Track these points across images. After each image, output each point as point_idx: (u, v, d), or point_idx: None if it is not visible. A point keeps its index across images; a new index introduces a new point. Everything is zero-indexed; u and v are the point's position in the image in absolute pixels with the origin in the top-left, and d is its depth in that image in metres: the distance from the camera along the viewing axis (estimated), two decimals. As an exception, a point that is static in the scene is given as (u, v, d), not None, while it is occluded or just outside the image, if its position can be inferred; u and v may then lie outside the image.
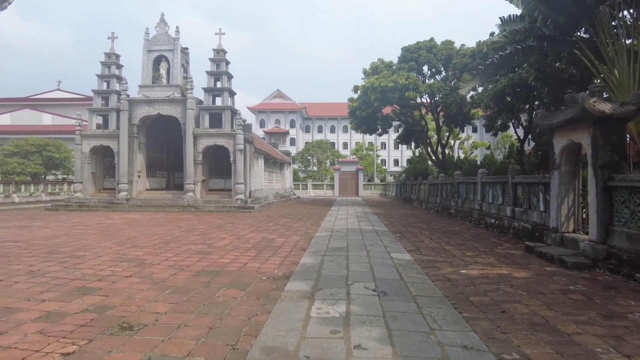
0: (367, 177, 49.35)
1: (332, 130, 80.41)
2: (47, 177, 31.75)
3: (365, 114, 22.72)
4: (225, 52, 19.95)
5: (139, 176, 19.75)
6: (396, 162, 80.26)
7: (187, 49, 20.84)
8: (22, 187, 27.28)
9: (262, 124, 73.39)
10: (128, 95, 19.45)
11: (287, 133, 73.19)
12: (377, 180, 54.65)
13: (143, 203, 18.76)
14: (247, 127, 19.79)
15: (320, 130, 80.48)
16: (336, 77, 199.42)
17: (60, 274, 6.04)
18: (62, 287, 5.35)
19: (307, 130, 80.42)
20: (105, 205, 18.79)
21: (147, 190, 20.36)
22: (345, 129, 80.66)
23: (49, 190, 29.32)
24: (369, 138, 79.48)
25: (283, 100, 77.49)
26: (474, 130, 61.70)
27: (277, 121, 75.30)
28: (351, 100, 23.81)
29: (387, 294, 5.22)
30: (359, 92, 23.54)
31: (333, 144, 70.18)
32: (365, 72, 23.80)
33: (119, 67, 20.87)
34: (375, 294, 5.22)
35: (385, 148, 78.29)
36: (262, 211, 18.58)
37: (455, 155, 39.66)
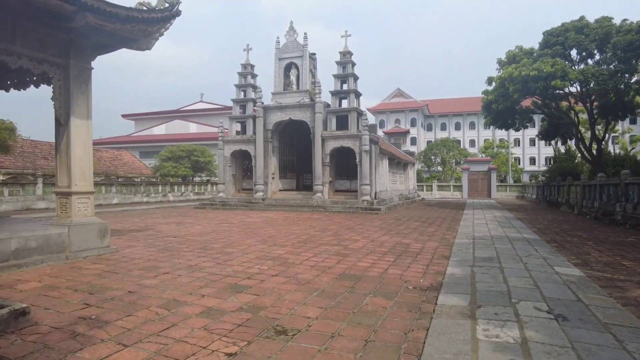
0: (499, 178, 45.25)
1: (457, 127, 75.93)
2: (194, 179, 36.02)
3: (502, 107, 20.54)
4: (351, 54, 20.03)
5: (273, 178, 20.98)
6: (532, 161, 72.28)
7: (314, 54, 21.48)
8: (175, 187, 31.35)
9: (381, 124, 72.88)
10: (262, 103, 20.80)
11: (407, 132, 71.37)
12: (511, 181, 49.77)
13: (277, 203, 19.85)
14: (372, 128, 19.59)
15: (443, 127, 76.70)
16: (459, 72, 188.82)
17: (214, 269, 6.42)
18: (217, 283, 5.62)
19: (429, 128, 77.38)
20: (244, 204, 20.36)
21: (279, 190, 21.53)
22: (472, 125, 75.44)
23: (196, 191, 33.16)
24: (500, 134, 72.95)
25: (403, 99, 75.84)
26: (633, 121, 52.07)
27: (397, 121, 73.96)
28: (485, 92, 21.81)
29: (567, 318, 4.31)
30: (494, 83, 21.45)
31: (458, 142, 66.13)
32: (500, 62, 21.63)
33: (254, 76, 22.48)
34: (552, 317, 4.35)
35: (519, 145, 71.13)
36: (388, 213, 18.11)
37: (612, 151, 33.87)
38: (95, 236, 7.49)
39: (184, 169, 33.53)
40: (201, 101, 64.25)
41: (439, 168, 51.89)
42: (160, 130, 60.62)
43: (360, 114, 19.69)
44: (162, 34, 8.35)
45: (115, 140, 57.52)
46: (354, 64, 20.07)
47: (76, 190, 7.36)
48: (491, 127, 32.08)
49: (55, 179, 7.66)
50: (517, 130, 26.17)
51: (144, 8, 7.75)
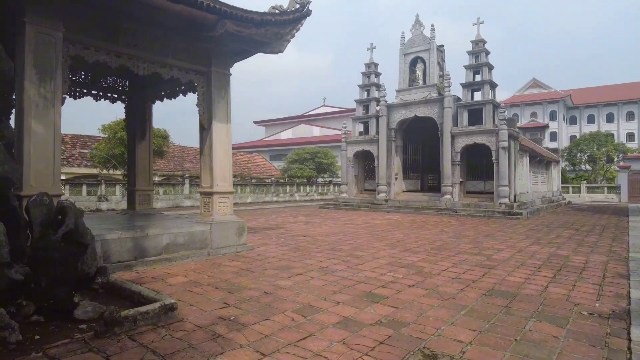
0: (671, 178, 37.10)
1: (609, 118, 64.91)
2: (317, 180, 37.14)
3: None
4: (484, 42, 18.25)
5: (396, 178, 20.28)
6: None
7: (442, 46, 20.17)
8: (301, 187, 32.65)
9: (514, 120, 65.96)
10: (386, 101, 20.25)
11: (546, 127, 63.18)
12: (687, 182, 40.53)
13: (400, 204, 19.10)
14: (510, 122, 17.52)
15: (590, 120, 66.28)
16: (609, 57, 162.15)
17: (346, 273, 6.09)
18: (350, 289, 5.26)
19: (572, 121, 67.66)
20: (366, 205, 20.07)
21: (403, 191, 20.73)
22: (630, 116, 63.77)
23: (319, 191, 34.10)
24: (670, 126, 60.40)
25: (540, 90, 67.69)
26: None
27: (534, 114, 66.21)
28: None
29: None
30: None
31: (611, 135, 56.40)
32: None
33: (377, 75, 22.06)
34: None
35: (699, 138, 57.88)
36: (531, 218, 15.95)
37: None
38: (233, 234, 7.82)
39: (309, 170, 34.79)
40: (324, 105, 66.36)
41: (587, 167, 44.79)
42: (287, 134, 64.36)
43: (496, 106, 17.80)
44: (293, 35, 8.41)
45: (248, 145, 62.83)
46: (487, 53, 18.25)
47: (217, 190, 7.78)
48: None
49: (200, 180, 8.22)
50: None
51: (277, 11, 7.86)
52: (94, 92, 9.36)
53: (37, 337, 3.60)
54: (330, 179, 38.12)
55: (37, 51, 5.67)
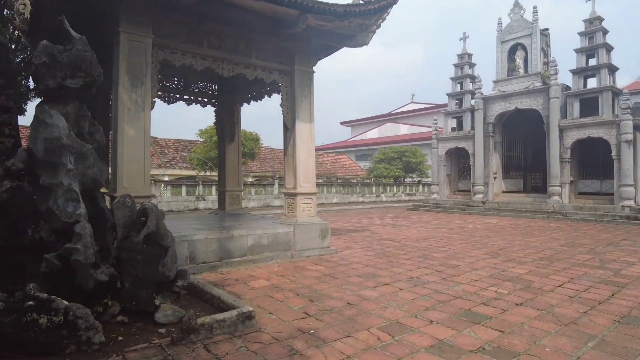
0: None
1: None
2: (405, 180, 35.86)
3: None
4: (600, 20, 15.82)
5: (495, 177, 18.56)
6: None
7: (546, 30, 17.99)
8: (387, 188, 31.75)
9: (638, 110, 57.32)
10: (482, 94, 18.64)
11: (679, 118, 54.07)
12: None
13: (500, 207, 17.41)
14: (636, 111, 14.91)
15: None
16: None
17: (439, 286, 5.41)
18: (445, 305, 4.60)
19: None
20: (460, 207, 18.67)
21: (502, 192, 18.91)
22: None
23: (407, 191, 32.87)
24: None
25: (671, 75, 57.91)
26: None
27: (662, 104, 56.94)
28: None
29: None
30: None
31: None
32: None
33: (472, 66, 20.45)
34: None
35: None
36: (664, 224, 13.39)
37: None
38: (316, 236, 7.54)
39: (396, 170, 33.72)
40: (412, 102, 64.25)
41: None
42: (373, 134, 63.50)
43: (616, 94, 15.31)
44: (379, 26, 7.90)
45: (334, 146, 63.26)
46: (605, 32, 15.77)
47: (300, 191, 7.56)
48: None
49: (284, 181, 8.09)
50: None
51: (360, 1, 7.41)
52: (185, 97, 9.78)
53: (120, 338, 3.58)
54: (418, 178, 36.58)
55: (129, 58, 5.91)
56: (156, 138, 33.17)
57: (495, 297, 4.94)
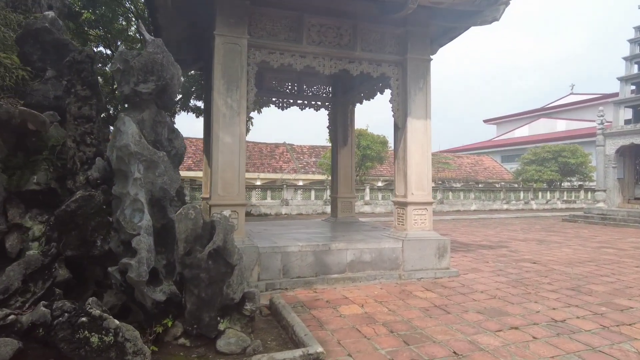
0: None
1: None
2: (562, 184, 30.63)
3: None
4: None
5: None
6: None
7: None
8: (539, 193, 27.49)
9: None
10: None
11: None
12: None
13: (698, 221, 13.18)
14: None
15: None
16: None
17: (596, 340, 3.81)
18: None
19: None
20: (637, 220, 14.76)
21: (703, 202, 14.34)
22: None
23: (564, 198, 27.99)
24: None
25: None
26: None
27: None
28: None
29: None
30: None
31: None
32: None
33: (654, 40, 16.10)
34: None
35: None
36: None
37: None
38: (432, 254, 6.36)
39: (550, 172, 28.95)
40: (572, 93, 55.22)
41: None
42: (522, 132, 56.49)
43: None
44: (512, -5, 6.35)
45: (476, 146, 58.22)
46: None
47: (412, 200, 6.48)
48: None
49: (394, 187, 7.11)
50: None
51: (485, -34, 6.03)
52: (299, 101, 9.55)
53: (175, 366, 3.20)
54: (579, 183, 30.86)
55: (224, 62, 5.72)
56: (293, 145, 34.98)
57: (696, 371, 3.21)
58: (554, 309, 4.74)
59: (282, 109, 9.45)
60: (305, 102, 9.58)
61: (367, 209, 22.07)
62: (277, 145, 33.89)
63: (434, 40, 7.52)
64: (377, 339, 3.83)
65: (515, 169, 33.95)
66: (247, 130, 14.79)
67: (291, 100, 9.52)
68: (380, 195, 22.85)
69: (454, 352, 3.53)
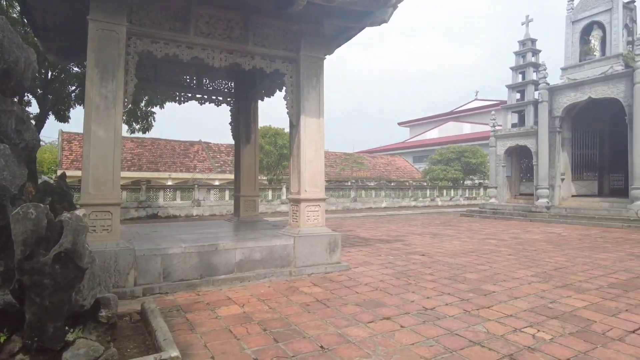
0: None
1: None
2: (464, 182, 33.28)
3: None
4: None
5: (562, 179, 16.12)
6: None
7: (631, 2, 15.26)
8: (444, 191, 29.57)
9: None
10: (547, 84, 16.30)
11: None
12: None
13: (568, 213, 15.02)
14: None
15: None
16: None
17: (457, 324, 4.07)
18: (451, 358, 3.31)
19: None
20: (521, 213, 16.46)
21: (572, 196, 16.39)
22: None
23: (467, 195, 30.41)
24: None
25: None
26: None
27: None
28: None
29: None
30: None
31: None
32: None
33: (535, 53, 18.06)
34: None
35: None
36: None
37: None
38: (323, 250, 6.43)
39: (454, 171, 31.34)
40: (476, 99, 60.34)
41: None
42: (432, 134, 60.51)
43: None
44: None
45: (390, 147, 61.14)
46: None
47: (305, 197, 6.51)
48: None
49: (290, 185, 7.10)
50: None
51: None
52: (198, 95, 9.15)
53: (5, 388, 2.79)
54: (480, 181, 33.79)
55: (98, 49, 5.26)
56: (209, 143, 33.80)
57: (531, 344, 3.55)
58: (427, 297, 5.02)
59: (180, 103, 8.98)
60: (205, 96, 9.20)
61: (284, 208, 21.98)
62: (192, 144, 32.53)
63: (331, 40, 7.61)
64: (247, 338, 3.73)
65: (424, 169, 36.19)
66: (150, 126, 13.98)
67: (189, 94, 9.09)
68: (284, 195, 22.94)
69: (321, 347, 3.54)
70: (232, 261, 5.74)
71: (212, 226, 8.47)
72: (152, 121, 13.64)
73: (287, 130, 26.08)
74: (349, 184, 27.35)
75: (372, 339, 3.70)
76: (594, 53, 15.34)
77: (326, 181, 27.37)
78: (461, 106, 62.38)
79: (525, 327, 3.99)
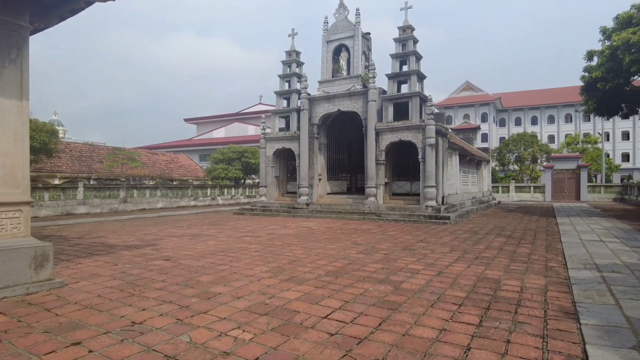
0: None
1: (534, 121, 68.69)
2: (245, 182, 34.38)
3: (613, 85, 15.64)
4: (412, 29, 16.70)
5: (320, 179, 18.23)
6: (625, 157, 63.26)
7: (368, 34, 18.43)
8: (225, 190, 29.78)
9: (448, 120, 67.43)
10: (308, 94, 18.15)
11: (477, 128, 65.33)
12: (602, 181, 42.84)
13: (323, 208, 17.07)
14: (439, 117, 16.11)
15: (518, 122, 69.67)
16: (534, 65, 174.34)
17: (159, 337, 3.70)
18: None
19: (501, 124, 70.62)
20: (286, 210, 17.83)
21: (327, 194, 18.74)
22: (550, 119, 67.91)
23: (247, 194, 31.45)
24: (585, 128, 64.75)
25: (473, 93, 69.78)
26: None
27: (466, 116, 68.11)
28: (588, 69, 16.87)
29: None
30: (596, 58, 16.74)
31: (536, 136, 59.03)
32: (604, 30, 16.82)
33: (300, 64, 19.92)
34: None
35: (609, 139, 62.32)
36: (459, 223, 14.55)
37: None
38: (24, 266, 5.15)
39: (235, 171, 31.95)
40: (260, 103, 63.51)
41: (515, 167, 46.03)
42: (219, 133, 60.69)
43: (424, 100, 16.27)
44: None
45: (175, 144, 58.37)
46: (415, 41, 16.71)
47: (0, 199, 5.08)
48: (589, 116, 26.45)
49: (-20, 184, 5.45)
50: (624, 117, 20.97)
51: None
52: None
53: None
54: (258, 180, 35.52)
55: None
56: None
57: (228, 349, 3.46)
58: (143, 309, 4.51)
59: None
60: None
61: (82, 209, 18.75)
62: None
63: (51, 9, 6.27)
64: None
65: (206, 167, 35.73)
66: None
67: None
68: (46, 196, 19.03)
69: (-54, 405, 2.59)
70: None
71: None
72: None
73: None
74: (119, 181, 24.45)
75: (36, 378, 2.96)
76: (342, 71, 17.90)
77: (94, 179, 23.79)
78: (247, 108, 64.65)
79: (233, 329, 3.94)
